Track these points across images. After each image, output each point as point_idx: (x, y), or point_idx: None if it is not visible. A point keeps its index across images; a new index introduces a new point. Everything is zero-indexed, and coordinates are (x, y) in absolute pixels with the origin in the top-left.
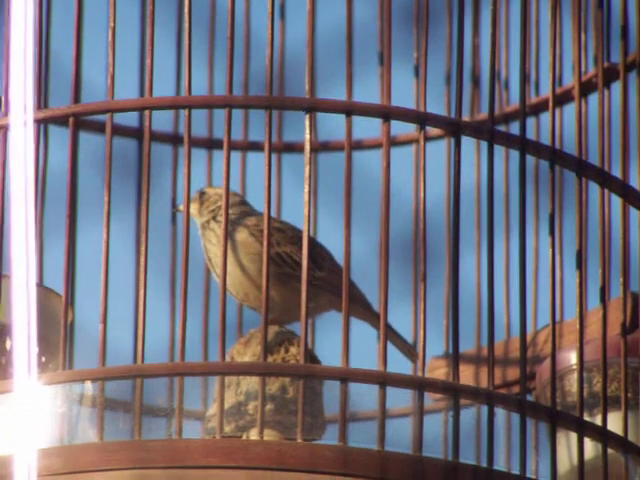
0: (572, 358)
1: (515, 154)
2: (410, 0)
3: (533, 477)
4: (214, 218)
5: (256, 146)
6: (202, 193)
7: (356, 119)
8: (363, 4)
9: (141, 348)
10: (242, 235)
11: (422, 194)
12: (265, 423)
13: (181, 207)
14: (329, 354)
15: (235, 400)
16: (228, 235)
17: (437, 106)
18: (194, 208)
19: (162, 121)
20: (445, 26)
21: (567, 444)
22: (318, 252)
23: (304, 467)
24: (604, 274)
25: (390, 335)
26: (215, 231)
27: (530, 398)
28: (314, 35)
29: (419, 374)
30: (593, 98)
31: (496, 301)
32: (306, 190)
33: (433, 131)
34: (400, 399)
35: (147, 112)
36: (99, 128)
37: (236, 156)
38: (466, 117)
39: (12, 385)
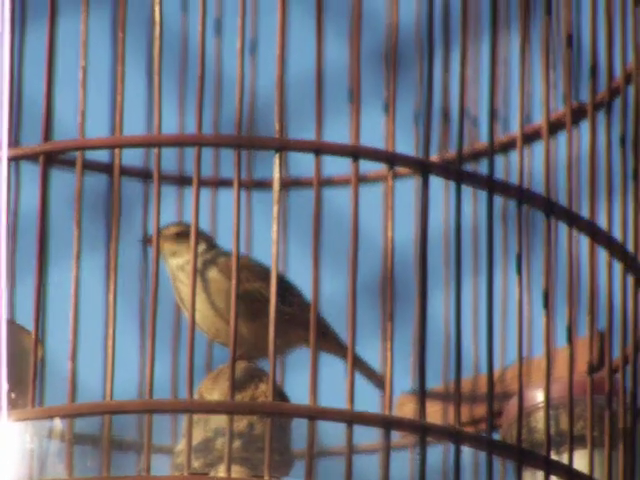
0: (539, 396)
1: (483, 193)
2: (379, 38)
3: None
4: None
5: (226, 183)
6: (179, 233)
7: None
8: (333, 43)
9: (110, 385)
10: (212, 273)
11: (390, 233)
12: (233, 460)
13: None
14: (298, 391)
15: (204, 436)
16: (199, 274)
17: (407, 144)
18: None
19: (133, 157)
20: (415, 64)
21: None
22: (287, 288)
23: None
24: (571, 313)
25: (359, 366)
26: (188, 272)
27: (497, 436)
28: (284, 74)
29: (386, 412)
30: (562, 137)
31: (464, 339)
32: (274, 229)
33: (402, 169)
34: (368, 436)
35: (117, 150)
36: (70, 164)
37: (206, 193)
38: (435, 155)
39: None
